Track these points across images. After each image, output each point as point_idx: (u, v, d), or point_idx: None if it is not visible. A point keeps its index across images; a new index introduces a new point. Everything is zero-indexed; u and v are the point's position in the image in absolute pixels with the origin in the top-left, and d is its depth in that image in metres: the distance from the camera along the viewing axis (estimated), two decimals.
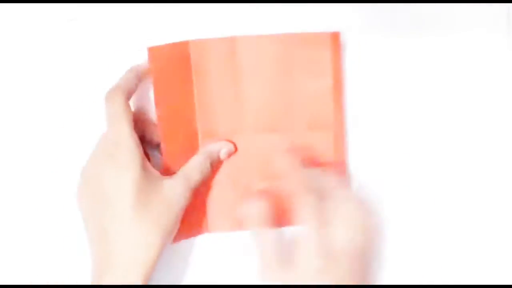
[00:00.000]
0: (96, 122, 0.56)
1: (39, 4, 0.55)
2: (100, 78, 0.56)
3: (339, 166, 0.55)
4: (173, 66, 0.54)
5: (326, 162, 0.55)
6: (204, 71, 0.54)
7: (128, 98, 0.52)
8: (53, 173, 0.57)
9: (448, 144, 0.56)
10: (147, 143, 0.54)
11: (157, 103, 0.53)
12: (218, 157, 0.55)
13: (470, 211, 0.56)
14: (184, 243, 0.55)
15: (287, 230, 0.54)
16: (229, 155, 0.55)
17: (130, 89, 0.52)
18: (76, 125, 0.56)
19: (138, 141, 0.50)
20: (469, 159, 0.55)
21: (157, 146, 0.54)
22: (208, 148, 0.54)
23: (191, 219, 0.54)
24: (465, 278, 0.56)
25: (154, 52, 0.53)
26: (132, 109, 0.52)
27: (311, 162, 0.54)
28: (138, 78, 0.53)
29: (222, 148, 0.55)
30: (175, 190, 0.50)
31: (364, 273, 0.49)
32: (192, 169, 0.52)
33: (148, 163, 0.51)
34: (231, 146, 0.55)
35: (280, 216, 0.53)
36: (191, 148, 0.55)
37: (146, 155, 0.53)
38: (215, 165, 0.55)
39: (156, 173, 0.51)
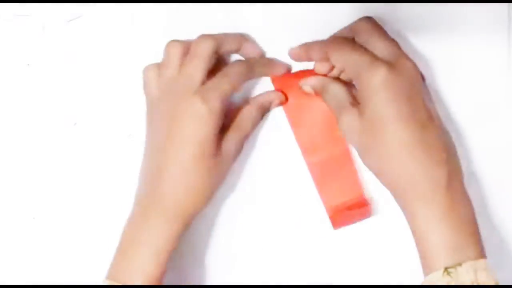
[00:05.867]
0: (96, 121, 0.56)
1: (39, 4, 0.55)
2: (100, 78, 0.56)
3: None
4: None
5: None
6: None
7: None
8: (53, 173, 0.57)
9: None
10: None
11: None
12: (269, 108, 0.56)
13: None
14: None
15: None
16: (281, 104, 0.56)
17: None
18: (76, 125, 0.56)
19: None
20: (468, 159, 0.55)
21: None
22: (260, 99, 0.55)
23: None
24: None
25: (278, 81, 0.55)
26: None
27: None
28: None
29: (274, 100, 0.55)
30: (230, 142, 0.52)
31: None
32: (245, 121, 0.54)
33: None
34: (282, 97, 0.55)
35: None
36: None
37: None
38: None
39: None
